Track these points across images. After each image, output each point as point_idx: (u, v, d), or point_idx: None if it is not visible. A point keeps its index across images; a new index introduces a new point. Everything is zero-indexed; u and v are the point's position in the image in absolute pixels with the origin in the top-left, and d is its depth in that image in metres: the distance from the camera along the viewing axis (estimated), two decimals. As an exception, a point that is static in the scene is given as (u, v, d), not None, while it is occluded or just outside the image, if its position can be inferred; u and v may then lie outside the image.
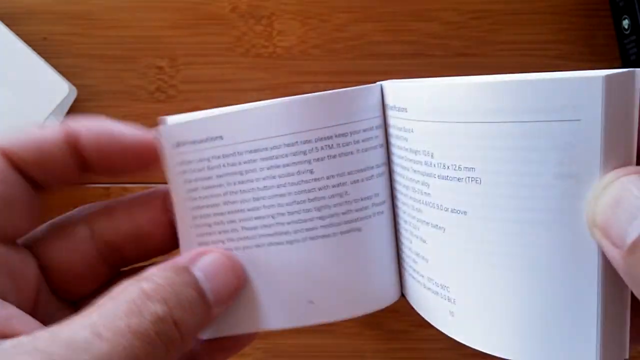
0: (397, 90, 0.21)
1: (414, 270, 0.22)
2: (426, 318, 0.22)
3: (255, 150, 0.21)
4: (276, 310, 0.22)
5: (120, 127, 0.21)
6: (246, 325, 0.22)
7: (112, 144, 0.21)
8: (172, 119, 0.21)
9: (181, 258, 0.20)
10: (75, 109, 0.37)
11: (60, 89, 0.35)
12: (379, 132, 0.22)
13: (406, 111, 0.20)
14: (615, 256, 0.15)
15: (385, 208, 0.22)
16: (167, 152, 0.21)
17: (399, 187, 0.22)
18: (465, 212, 0.19)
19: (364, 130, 0.21)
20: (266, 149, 0.21)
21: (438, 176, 0.19)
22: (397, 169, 0.21)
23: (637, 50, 0.34)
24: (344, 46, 0.37)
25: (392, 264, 0.23)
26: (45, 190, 0.21)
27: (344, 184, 0.21)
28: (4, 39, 0.35)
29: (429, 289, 0.21)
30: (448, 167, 0.19)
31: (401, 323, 0.37)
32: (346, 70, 0.37)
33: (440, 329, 0.21)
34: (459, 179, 0.18)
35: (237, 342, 0.24)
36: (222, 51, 0.37)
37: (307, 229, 0.21)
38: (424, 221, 0.20)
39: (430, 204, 0.20)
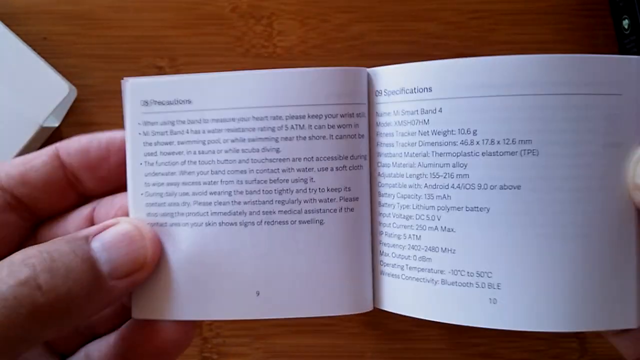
0: (412, 71, 0.20)
1: (422, 269, 0.20)
2: (443, 320, 0.20)
3: (222, 120, 0.20)
4: (220, 298, 0.20)
5: (95, 134, 0.21)
6: (184, 312, 0.20)
7: (90, 145, 0.21)
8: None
9: (90, 228, 0.20)
10: (75, 109, 0.37)
11: (60, 89, 0.35)
12: (360, 121, 0.20)
13: (430, 90, 0.19)
14: None
15: (357, 207, 0.20)
16: (131, 110, 0.20)
17: (398, 181, 0.21)
18: (518, 187, 0.19)
19: (342, 116, 0.20)
20: (233, 119, 0.20)
21: (483, 153, 0.19)
22: (396, 160, 0.20)
23: (637, 51, 0.34)
24: (344, 46, 0.37)
25: (363, 270, 0.21)
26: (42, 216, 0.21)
27: (310, 169, 0.20)
28: (4, 39, 0.35)
29: (452, 283, 0.20)
30: (498, 142, 0.19)
31: (402, 323, 0.36)
32: (346, 70, 0.37)
33: (474, 324, 0.20)
34: (511, 153, 0.19)
35: (175, 340, 0.21)
36: (222, 51, 0.37)
37: (265, 212, 0.20)
38: (454, 207, 0.20)
39: (468, 186, 0.19)
